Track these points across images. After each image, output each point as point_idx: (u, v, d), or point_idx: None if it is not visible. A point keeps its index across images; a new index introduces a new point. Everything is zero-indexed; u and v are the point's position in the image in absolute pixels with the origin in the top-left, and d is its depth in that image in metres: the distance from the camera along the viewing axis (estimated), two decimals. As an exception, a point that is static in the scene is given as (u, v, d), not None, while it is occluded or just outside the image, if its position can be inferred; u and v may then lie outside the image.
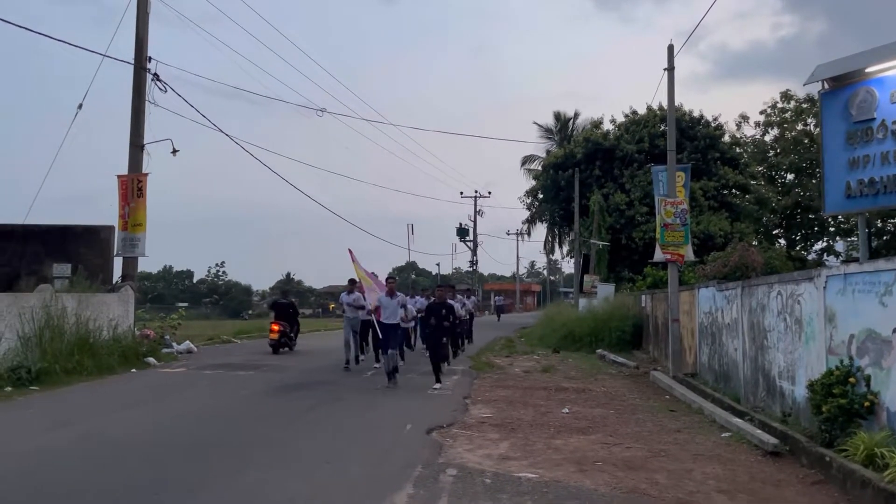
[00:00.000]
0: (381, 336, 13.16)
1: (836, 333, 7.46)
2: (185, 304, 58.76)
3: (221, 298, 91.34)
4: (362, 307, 15.58)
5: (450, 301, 15.27)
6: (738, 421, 9.01)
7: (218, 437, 8.33)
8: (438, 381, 12.69)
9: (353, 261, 14.84)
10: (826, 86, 8.11)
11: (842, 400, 6.81)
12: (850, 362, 7.05)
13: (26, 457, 7.11)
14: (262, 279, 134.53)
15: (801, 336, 8.40)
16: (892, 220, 32.78)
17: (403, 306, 13.31)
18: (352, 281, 16.03)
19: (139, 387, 12.66)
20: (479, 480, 6.42)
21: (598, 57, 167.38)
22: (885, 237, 33.71)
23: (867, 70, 7.76)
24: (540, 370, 16.08)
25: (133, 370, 14.78)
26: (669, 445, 8.21)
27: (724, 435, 8.75)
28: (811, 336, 8.08)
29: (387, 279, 13.74)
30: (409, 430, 8.82)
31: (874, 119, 7.73)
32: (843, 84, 7.78)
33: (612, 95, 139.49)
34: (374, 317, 13.61)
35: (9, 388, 11.51)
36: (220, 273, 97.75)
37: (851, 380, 6.87)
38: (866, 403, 6.62)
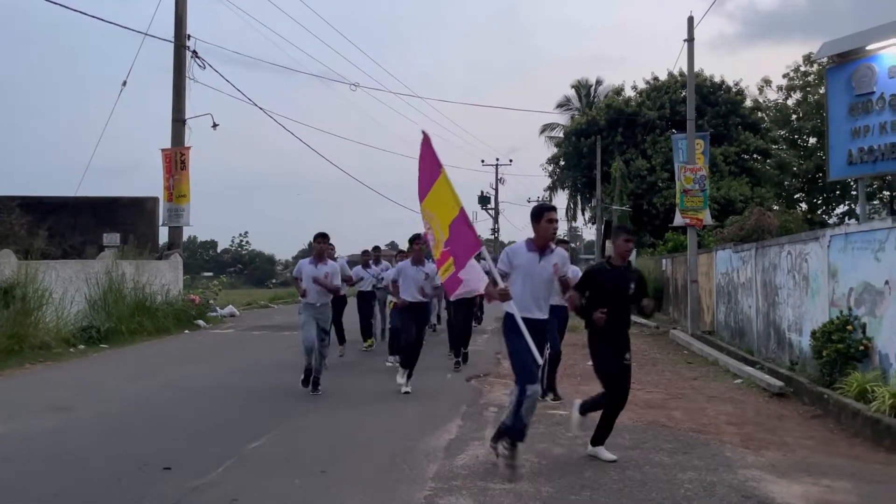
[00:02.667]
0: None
1: (837, 287, 8.28)
2: (210, 274, 60.24)
3: (245, 268, 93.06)
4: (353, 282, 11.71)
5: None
6: (749, 369, 9.90)
7: (283, 383, 9.38)
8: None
9: (427, 154, 6.03)
10: (831, 61, 8.82)
11: (840, 345, 7.67)
12: (848, 312, 7.89)
13: (127, 400, 8.23)
14: (285, 248, 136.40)
15: (807, 291, 9.23)
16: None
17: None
18: (322, 236, 8.91)
19: (198, 344, 13.82)
20: (518, 416, 7.38)
21: (624, 18, 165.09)
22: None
23: (868, 48, 8.45)
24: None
25: (186, 331, 15.98)
26: (686, 390, 9.13)
27: (736, 381, 9.64)
28: (816, 291, 8.90)
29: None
30: (450, 379, 9.81)
31: (874, 92, 8.45)
32: (846, 60, 8.49)
33: (638, 58, 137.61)
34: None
35: (82, 346, 12.67)
36: (243, 243, 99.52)
37: (849, 327, 7.71)
38: (861, 347, 7.48)
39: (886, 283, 7.11)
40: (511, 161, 78.06)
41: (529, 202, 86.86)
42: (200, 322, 17.23)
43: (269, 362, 11.43)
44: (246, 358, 12.00)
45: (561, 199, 50.50)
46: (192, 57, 19.58)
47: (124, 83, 19.89)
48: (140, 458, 5.64)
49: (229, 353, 12.54)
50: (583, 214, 46.59)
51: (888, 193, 32.67)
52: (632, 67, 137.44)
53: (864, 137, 8.53)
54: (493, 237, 64.46)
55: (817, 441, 6.50)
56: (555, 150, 42.80)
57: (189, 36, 19.67)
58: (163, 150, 19.46)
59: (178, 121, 19.60)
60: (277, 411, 7.57)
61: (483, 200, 60.36)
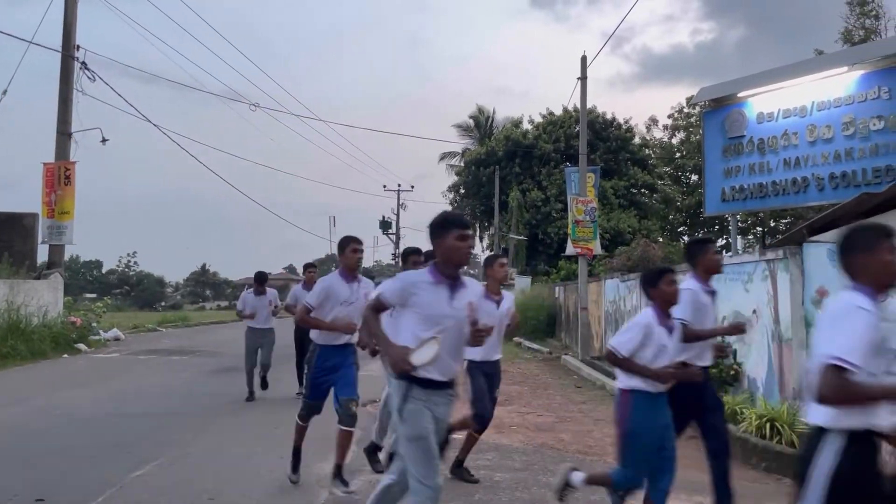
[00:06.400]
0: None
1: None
2: (94, 295, 57.08)
3: (133, 290, 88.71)
4: None
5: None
6: (633, 393, 10.36)
7: (171, 409, 9.05)
8: None
9: None
10: (708, 105, 9.53)
11: (713, 370, 8.15)
12: (722, 339, 8.41)
13: (-7, 427, 7.67)
14: (175, 270, 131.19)
15: (686, 319, 9.79)
16: (783, 221, 35.73)
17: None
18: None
19: (79, 369, 13.09)
20: (412, 440, 7.43)
21: (528, 54, 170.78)
22: (777, 235, 36.60)
23: (739, 94, 9.22)
24: (461, 355, 17.21)
25: (65, 355, 15.09)
26: (575, 413, 9.46)
27: (621, 405, 10.08)
28: (694, 318, 9.46)
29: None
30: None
31: (744, 136, 9.21)
32: (720, 105, 9.19)
33: (541, 91, 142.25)
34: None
35: (-55, 371, 11.76)
36: (131, 263, 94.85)
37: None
38: (732, 372, 8.02)
39: (754, 311, 7.69)
40: (413, 187, 78.69)
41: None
42: (81, 346, 16.32)
43: (154, 388, 10.98)
44: (130, 383, 11.46)
45: (460, 227, 50.97)
46: (80, 68, 18.77)
47: (4, 92, 18.81)
48: (9, 489, 5.31)
49: (112, 379, 11.95)
50: (481, 242, 47.51)
51: (761, 229, 35.12)
52: (534, 101, 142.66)
53: (736, 177, 9.27)
54: (394, 262, 64.58)
55: (692, 460, 6.86)
56: (455, 178, 43.60)
57: (78, 46, 18.86)
58: (45, 164, 18.44)
59: (64, 134, 18.65)
60: (162, 438, 7.28)
61: (385, 225, 60.41)
